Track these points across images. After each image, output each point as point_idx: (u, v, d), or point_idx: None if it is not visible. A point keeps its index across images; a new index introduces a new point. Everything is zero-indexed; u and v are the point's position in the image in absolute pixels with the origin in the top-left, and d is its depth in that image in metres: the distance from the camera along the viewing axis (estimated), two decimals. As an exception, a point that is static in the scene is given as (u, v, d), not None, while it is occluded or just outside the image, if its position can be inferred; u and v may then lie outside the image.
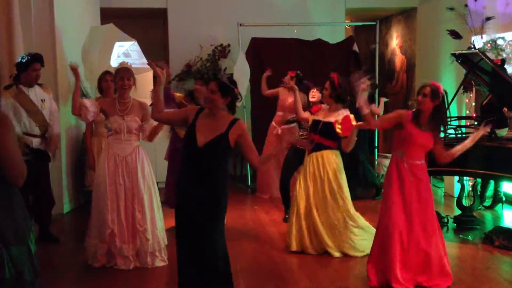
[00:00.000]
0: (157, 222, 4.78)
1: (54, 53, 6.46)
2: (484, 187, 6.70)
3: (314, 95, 5.75)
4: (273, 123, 7.55)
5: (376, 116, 7.23)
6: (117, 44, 7.21)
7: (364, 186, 7.53)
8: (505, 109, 5.73)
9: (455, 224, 5.96)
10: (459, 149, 4.32)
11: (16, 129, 4.68)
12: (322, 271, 4.66)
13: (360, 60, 9.18)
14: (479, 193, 6.38)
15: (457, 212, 6.15)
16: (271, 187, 7.63)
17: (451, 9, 6.98)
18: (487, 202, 6.83)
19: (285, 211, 6.26)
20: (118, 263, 4.69)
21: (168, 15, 9.36)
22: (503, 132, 6.02)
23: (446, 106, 4.25)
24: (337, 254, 4.99)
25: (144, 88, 6.20)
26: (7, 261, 2.53)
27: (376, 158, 8.57)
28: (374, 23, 8.86)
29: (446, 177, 7.59)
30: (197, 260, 3.53)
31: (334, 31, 9.51)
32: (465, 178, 6.15)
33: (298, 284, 4.38)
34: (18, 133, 4.82)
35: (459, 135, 5.92)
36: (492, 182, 6.67)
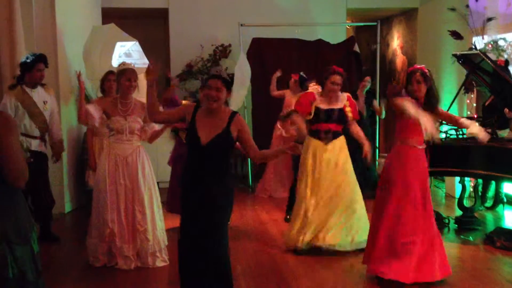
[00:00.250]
0: (157, 222, 4.78)
1: (56, 53, 6.46)
2: (485, 188, 6.70)
3: (318, 88, 5.60)
4: (278, 124, 7.59)
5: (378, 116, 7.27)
6: (118, 44, 7.22)
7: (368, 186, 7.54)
8: (506, 109, 5.73)
9: (456, 225, 5.95)
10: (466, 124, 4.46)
11: (16, 130, 4.69)
12: (323, 271, 4.66)
13: (361, 60, 9.19)
14: (480, 194, 6.38)
15: (458, 213, 6.15)
16: (271, 187, 7.66)
17: (452, 9, 6.98)
18: (488, 203, 6.82)
19: (286, 212, 6.27)
20: (118, 263, 4.69)
21: (169, 15, 9.36)
22: (504, 133, 6.02)
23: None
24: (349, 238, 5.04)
25: (145, 89, 6.19)
26: (11, 261, 2.53)
27: (377, 158, 8.56)
28: (375, 23, 8.86)
29: (447, 178, 7.59)
30: (199, 260, 3.53)
31: (335, 32, 9.51)
32: (466, 178, 6.15)
33: (299, 284, 4.38)
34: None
35: (460, 136, 5.92)
36: (493, 183, 6.67)
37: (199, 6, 9.30)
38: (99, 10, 8.67)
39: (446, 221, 5.94)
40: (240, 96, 7.84)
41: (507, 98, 5.76)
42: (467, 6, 6.92)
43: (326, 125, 5.16)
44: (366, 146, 5.11)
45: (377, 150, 8.76)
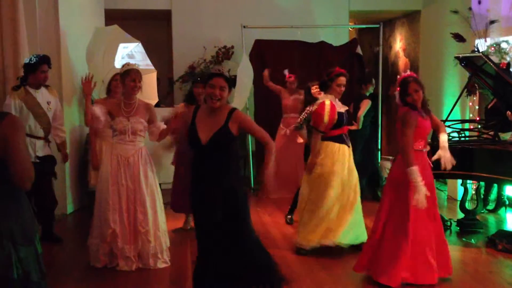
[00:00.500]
0: (159, 223, 4.78)
1: (59, 54, 6.49)
2: (488, 190, 6.70)
3: (320, 91, 5.50)
4: (281, 125, 7.68)
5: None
6: (121, 45, 7.23)
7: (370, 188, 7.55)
8: (508, 112, 5.73)
9: (458, 228, 5.95)
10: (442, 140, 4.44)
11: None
12: (324, 272, 4.66)
13: (363, 62, 9.19)
14: (482, 196, 6.37)
15: (460, 215, 6.14)
16: (280, 186, 7.68)
17: (455, 12, 6.97)
18: (491, 206, 6.82)
19: (288, 213, 6.28)
20: (119, 264, 4.69)
21: (172, 17, 9.37)
22: (507, 136, 6.02)
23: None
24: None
25: (148, 89, 6.22)
26: (15, 261, 2.55)
27: (379, 160, 8.56)
28: (377, 25, 8.86)
29: (449, 181, 7.58)
30: (229, 262, 3.57)
31: (338, 34, 9.51)
32: (468, 181, 6.14)
33: (300, 285, 4.38)
34: None
35: (462, 139, 5.92)
36: (495, 185, 6.67)
37: (202, 7, 9.31)
38: (102, 11, 8.69)
39: (448, 223, 5.93)
40: (242, 98, 7.86)
41: (509, 101, 5.76)
42: (470, 8, 6.91)
43: (346, 128, 5.20)
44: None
45: (379, 153, 8.75)
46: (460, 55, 6.01)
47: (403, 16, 10.29)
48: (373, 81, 7.73)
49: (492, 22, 6.77)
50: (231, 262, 3.60)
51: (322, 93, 5.31)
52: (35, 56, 5.23)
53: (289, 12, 9.31)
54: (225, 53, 9.09)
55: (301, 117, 5.39)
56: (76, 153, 6.91)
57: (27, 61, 5.20)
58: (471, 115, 7.11)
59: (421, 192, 4.03)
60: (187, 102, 5.83)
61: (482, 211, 6.48)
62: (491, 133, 5.93)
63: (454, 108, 6.07)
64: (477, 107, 7.15)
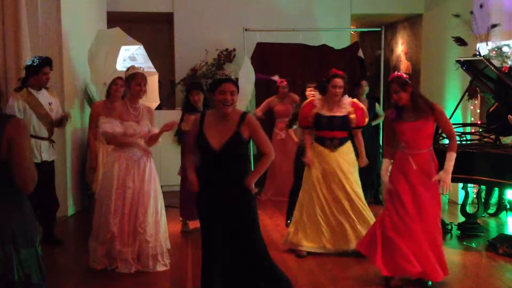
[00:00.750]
0: (161, 225, 4.78)
1: (61, 56, 6.50)
2: (489, 194, 6.68)
3: (314, 94, 5.52)
4: (276, 130, 7.68)
5: None
6: (123, 47, 7.25)
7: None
8: (510, 116, 5.72)
9: (459, 231, 5.94)
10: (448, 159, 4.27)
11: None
12: (324, 276, 4.66)
13: (365, 66, 9.20)
14: (483, 200, 6.36)
15: (461, 219, 6.14)
16: (276, 189, 7.68)
17: (457, 16, 6.98)
18: (492, 210, 6.80)
19: (287, 217, 6.28)
20: (119, 266, 4.69)
21: (174, 20, 9.39)
22: (508, 140, 6.01)
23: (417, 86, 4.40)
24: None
25: (149, 92, 6.22)
26: (16, 263, 2.55)
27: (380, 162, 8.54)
28: (379, 29, 8.87)
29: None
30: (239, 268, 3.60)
31: (340, 37, 9.52)
32: (469, 185, 6.14)
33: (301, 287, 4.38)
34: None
35: (463, 142, 5.92)
36: (496, 189, 6.66)
37: (204, 10, 9.33)
38: (104, 14, 8.72)
39: (449, 227, 5.93)
40: (244, 101, 7.86)
41: (511, 105, 5.75)
42: (472, 12, 6.91)
43: (329, 132, 5.12)
44: (363, 160, 5.22)
45: (380, 155, 8.74)
46: (462, 59, 6.01)
47: (405, 19, 10.29)
48: (365, 82, 7.51)
49: (493, 26, 6.77)
50: (242, 270, 3.63)
51: (316, 94, 5.34)
52: (37, 58, 5.26)
53: (291, 15, 9.32)
54: (227, 56, 9.10)
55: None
56: (78, 155, 6.92)
57: (29, 63, 5.22)
58: (472, 119, 7.10)
59: (384, 186, 4.28)
60: (187, 111, 5.78)
61: (483, 215, 6.47)
62: (493, 136, 5.92)
63: (456, 112, 6.07)
64: (478, 110, 7.14)
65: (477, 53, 6.66)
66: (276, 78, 7.73)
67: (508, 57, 6.59)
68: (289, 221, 6.24)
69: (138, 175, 4.69)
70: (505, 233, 5.99)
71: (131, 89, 4.72)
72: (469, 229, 5.89)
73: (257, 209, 3.77)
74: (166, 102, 9.49)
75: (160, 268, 4.74)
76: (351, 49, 9.05)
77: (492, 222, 6.51)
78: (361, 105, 5.29)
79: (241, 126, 3.54)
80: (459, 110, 6.28)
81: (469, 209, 6.09)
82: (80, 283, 4.55)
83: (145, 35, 9.07)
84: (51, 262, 4.90)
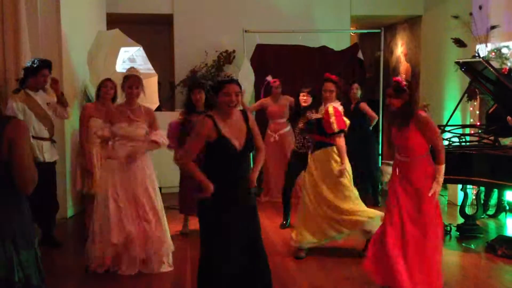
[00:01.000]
0: (162, 227, 4.76)
1: (60, 57, 6.51)
2: (488, 195, 6.69)
3: (306, 99, 5.50)
4: (269, 131, 7.63)
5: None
6: (122, 49, 7.26)
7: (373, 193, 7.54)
8: (509, 117, 5.73)
9: (458, 233, 5.94)
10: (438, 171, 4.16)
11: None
12: (324, 277, 4.66)
13: (364, 67, 9.21)
14: (482, 201, 6.37)
15: (460, 220, 6.14)
16: (272, 190, 7.67)
17: (456, 17, 6.99)
18: (491, 211, 6.81)
19: (283, 218, 6.28)
20: (121, 268, 4.68)
21: (174, 21, 9.40)
22: (507, 141, 6.02)
23: (414, 96, 4.31)
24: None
25: (149, 93, 6.22)
26: (16, 264, 2.56)
27: (379, 165, 8.55)
28: (379, 30, 8.88)
29: (449, 186, 7.57)
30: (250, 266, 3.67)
31: (339, 38, 9.53)
32: (468, 186, 6.14)
33: (300, 290, 4.39)
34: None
35: (463, 143, 5.92)
36: (495, 190, 6.66)
37: (203, 12, 9.33)
38: (104, 15, 8.72)
39: (448, 228, 5.93)
40: (243, 102, 7.86)
41: (510, 106, 5.76)
42: (471, 14, 6.92)
43: (312, 135, 5.25)
44: (342, 167, 4.98)
45: (379, 158, 8.75)
46: (461, 60, 6.02)
47: (404, 21, 10.31)
48: (356, 85, 7.43)
49: (493, 27, 6.78)
50: (255, 272, 3.71)
51: (309, 100, 5.43)
52: (37, 59, 5.26)
53: (291, 16, 9.33)
54: (227, 58, 9.11)
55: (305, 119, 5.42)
56: (76, 156, 6.90)
57: (29, 64, 5.22)
58: (471, 120, 7.11)
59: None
60: (187, 110, 5.77)
61: (482, 216, 6.47)
62: (492, 138, 5.93)
63: (455, 113, 6.08)
64: (477, 112, 7.15)
65: (477, 54, 6.67)
66: (269, 78, 7.72)
67: (507, 59, 6.60)
68: (284, 222, 6.26)
69: (133, 177, 4.68)
70: (504, 234, 5.99)
71: (125, 91, 4.75)
72: (468, 231, 5.89)
73: (259, 210, 3.80)
74: (166, 103, 9.50)
75: (165, 269, 4.74)
76: (351, 50, 9.06)
77: (491, 224, 6.51)
78: (339, 109, 5.12)
79: (248, 122, 3.64)
80: (458, 111, 6.28)
81: (468, 210, 6.10)
82: (79, 285, 4.55)
83: (144, 36, 9.06)
84: (50, 263, 4.88)
